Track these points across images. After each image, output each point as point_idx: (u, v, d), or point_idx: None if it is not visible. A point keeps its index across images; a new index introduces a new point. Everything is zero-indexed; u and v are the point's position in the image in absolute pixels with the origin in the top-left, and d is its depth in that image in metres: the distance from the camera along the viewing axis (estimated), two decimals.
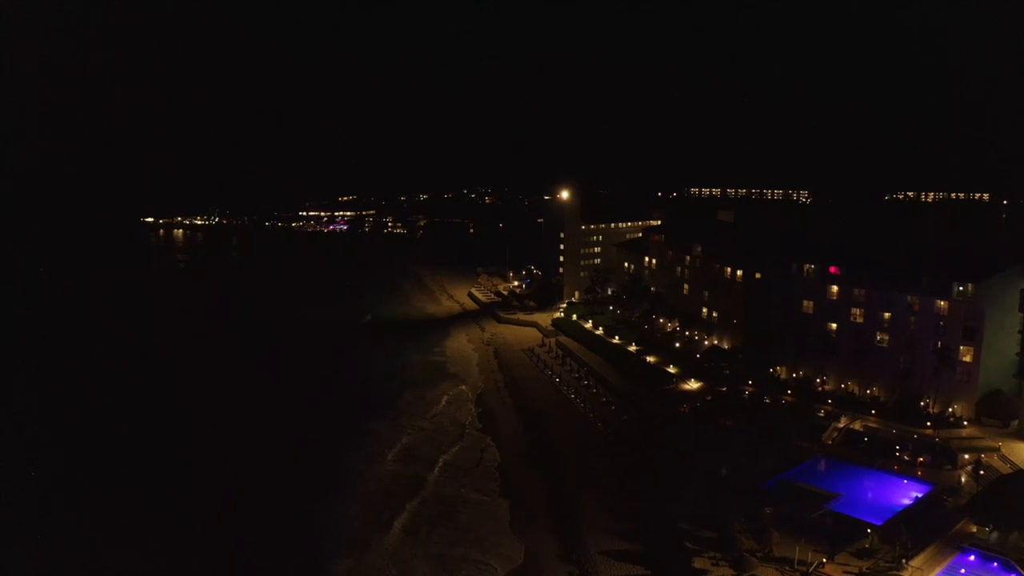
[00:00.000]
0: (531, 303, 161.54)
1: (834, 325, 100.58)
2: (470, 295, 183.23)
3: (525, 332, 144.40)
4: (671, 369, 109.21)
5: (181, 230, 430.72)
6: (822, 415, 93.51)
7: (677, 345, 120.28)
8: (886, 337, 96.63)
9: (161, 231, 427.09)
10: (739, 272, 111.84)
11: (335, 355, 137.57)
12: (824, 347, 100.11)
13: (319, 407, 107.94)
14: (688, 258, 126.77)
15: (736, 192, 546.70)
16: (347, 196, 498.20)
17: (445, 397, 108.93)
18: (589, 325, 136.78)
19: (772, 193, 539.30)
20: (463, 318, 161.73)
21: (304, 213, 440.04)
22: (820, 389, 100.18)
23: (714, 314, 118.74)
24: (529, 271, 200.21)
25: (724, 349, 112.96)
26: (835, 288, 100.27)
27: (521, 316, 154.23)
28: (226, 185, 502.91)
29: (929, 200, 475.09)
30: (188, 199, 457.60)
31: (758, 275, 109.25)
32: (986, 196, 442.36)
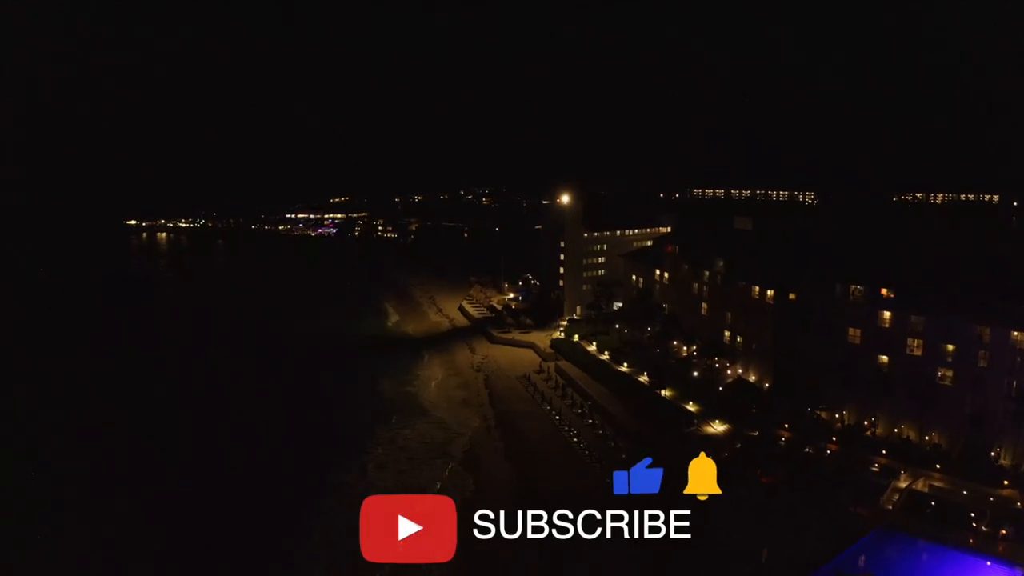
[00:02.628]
0: (527, 320, 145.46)
1: (885, 358, 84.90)
2: (461, 309, 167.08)
3: (520, 355, 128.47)
4: (690, 406, 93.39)
5: (165, 233, 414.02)
6: (876, 469, 77.94)
7: (695, 374, 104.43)
8: (949, 374, 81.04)
9: (144, 234, 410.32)
10: (769, 292, 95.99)
11: (305, 378, 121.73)
12: (875, 384, 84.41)
13: (282, 442, 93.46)
14: (707, 273, 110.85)
15: (740, 194, 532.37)
16: (340, 197, 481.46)
17: (424, 438, 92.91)
18: (593, 348, 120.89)
19: (777, 194, 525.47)
20: (451, 337, 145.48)
21: (293, 215, 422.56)
22: (869, 434, 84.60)
23: (738, 339, 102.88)
24: (526, 281, 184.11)
25: (751, 383, 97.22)
26: (888, 314, 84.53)
27: (516, 335, 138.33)
28: (214, 185, 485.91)
29: (938, 201, 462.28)
30: (173, 200, 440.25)
31: (792, 296, 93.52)
32: (995, 198, 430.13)
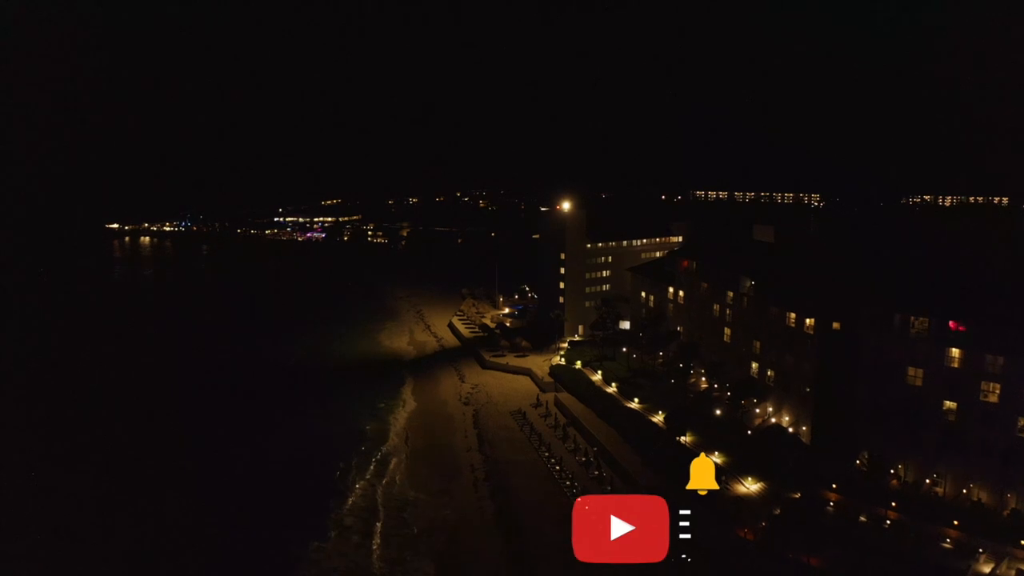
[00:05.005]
0: (524, 342, 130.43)
1: (953, 404, 70.41)
2: (450, 326, 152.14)
3: (515, 383, 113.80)
4: (716, 457, 78.73)
5: (148, 237, 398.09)
6: (949, 546, 63.47)
7: (717, 412, 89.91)
8: None
9: (127, 238, 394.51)
10: (809, 320, 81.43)
11: (271, 411, 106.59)
12: (940, 436, 69.99)
13: (239, 489, 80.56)
14: (731, 294, 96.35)
15: (744, 196, 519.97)
16: (331, 200, 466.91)
17: (397, 493, 78.14)
18: (598, 377, 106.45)
19: (781, 197, 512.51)
20: (438, 360, 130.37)
21: (281, 219, 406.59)
22: (939, 491, 70.29)
23: (769, 373, 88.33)
24: (523, 294, 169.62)
25: (786, 430, 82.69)
26: (957, 352, 70.01)
27: (511, 360, 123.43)
28: (201, 187, 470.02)
29: (947, 204, 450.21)
30: (157, 202, 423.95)
31: (837, 325, 79.00)
32: (1005, 200, 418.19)
